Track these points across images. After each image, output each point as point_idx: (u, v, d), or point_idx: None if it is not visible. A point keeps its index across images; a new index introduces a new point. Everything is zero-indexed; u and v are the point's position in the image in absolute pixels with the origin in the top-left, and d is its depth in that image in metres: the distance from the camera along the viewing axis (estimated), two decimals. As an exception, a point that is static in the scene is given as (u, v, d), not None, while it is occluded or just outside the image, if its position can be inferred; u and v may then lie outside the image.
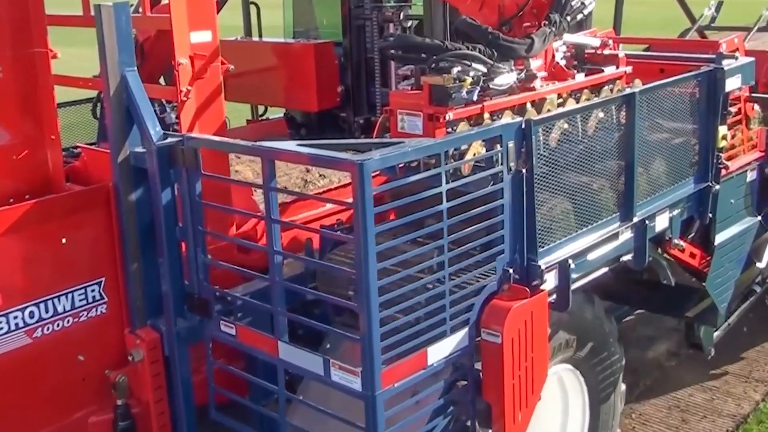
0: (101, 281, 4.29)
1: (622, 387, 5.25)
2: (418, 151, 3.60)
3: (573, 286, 4.37)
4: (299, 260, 3.95)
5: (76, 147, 5.38)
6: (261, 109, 7.84)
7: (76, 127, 6.55)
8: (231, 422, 4.20)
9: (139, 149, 4.14)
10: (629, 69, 5.08)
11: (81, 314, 4.24)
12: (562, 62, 4.92)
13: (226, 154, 4.62)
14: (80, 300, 4.23)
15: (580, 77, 4.84)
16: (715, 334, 6.12)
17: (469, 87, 4.14)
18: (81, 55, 7.48)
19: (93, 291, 4.28)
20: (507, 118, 4.25)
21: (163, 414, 4.32)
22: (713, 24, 8.10)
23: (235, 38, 7.51)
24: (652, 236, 4.87)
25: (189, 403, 4.30)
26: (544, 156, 4.11)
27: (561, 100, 4.69)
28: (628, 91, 4.68)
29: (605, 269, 4.76)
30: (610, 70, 4.98)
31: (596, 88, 4.91)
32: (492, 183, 3.92)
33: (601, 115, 4.46)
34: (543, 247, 4.17)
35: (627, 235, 4.72)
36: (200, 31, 4.41)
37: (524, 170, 3.97)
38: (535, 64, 4.61)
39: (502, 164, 3.89)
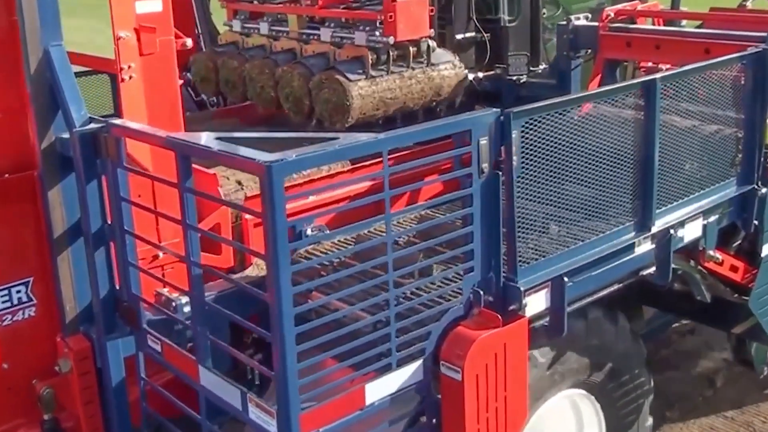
0: (29, 281, 3.84)
1: (649, 420, 4.57)
2: (347, 150, 2.96)
3: (570, 308, 3.71)
4: (217, 276, 3.36)
5: None
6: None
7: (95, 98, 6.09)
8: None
9: (66, 135, 3.64)
10: None
11: (5, 317, 3.81)
12: None
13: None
14: (4, 302, 3.80)
15: None
16: (770, 351, 5.36)
17: None
18: (80, 26, 7.05)
19: (19, 292, 3.84)
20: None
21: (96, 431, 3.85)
22: None
23: None
24: (679, 247, 4.17)
25: (124, 422, 3.81)
26: (530, 154, 3.42)
27: None
28: (649, 76, 3.94)
29: (618, 285, 4.07)
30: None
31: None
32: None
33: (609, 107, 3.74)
34: (528, 263, 3.50)
35: (646, 246, 4.04)
36: (148, 0, 3.84)
37: (501, 173, 3.30)
38: None
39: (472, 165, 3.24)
